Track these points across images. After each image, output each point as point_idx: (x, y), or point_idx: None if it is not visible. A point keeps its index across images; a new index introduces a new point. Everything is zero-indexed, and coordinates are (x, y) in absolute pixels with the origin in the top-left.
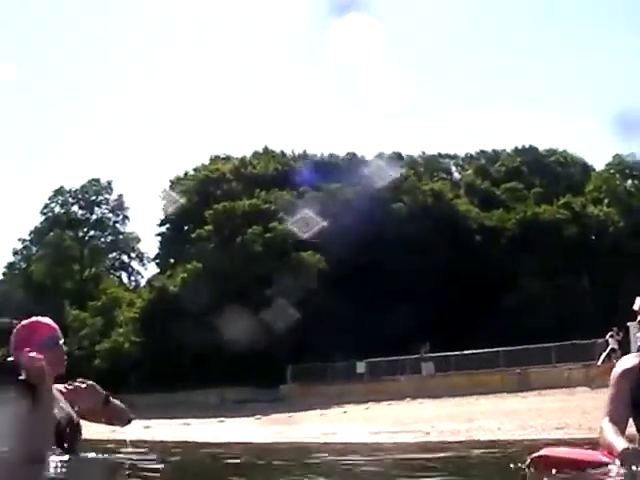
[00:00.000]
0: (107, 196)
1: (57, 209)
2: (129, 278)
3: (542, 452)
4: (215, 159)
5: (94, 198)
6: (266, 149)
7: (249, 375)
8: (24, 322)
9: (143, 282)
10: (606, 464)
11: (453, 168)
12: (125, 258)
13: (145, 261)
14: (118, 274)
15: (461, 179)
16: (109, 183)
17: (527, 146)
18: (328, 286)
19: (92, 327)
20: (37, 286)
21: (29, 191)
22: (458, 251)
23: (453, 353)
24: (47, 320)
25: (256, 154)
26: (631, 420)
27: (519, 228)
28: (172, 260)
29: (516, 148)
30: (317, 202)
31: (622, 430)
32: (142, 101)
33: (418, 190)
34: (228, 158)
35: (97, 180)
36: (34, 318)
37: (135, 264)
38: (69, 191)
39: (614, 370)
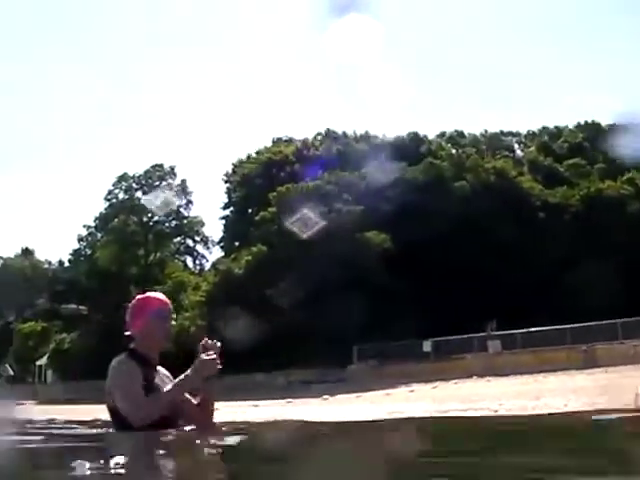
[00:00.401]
0: (170, 181)
1: (121, 195)
2: (194, 262)
3: None
4: (277, 141)
5: (158, 183)
6: (328, 131)
7: (315, 356)
8: (139, 296)
9: (208, 266)
10: None
11: (515, 145)
12: (190, 242)
13: (210, 245)
14: (183, 258)
15: (524, 156)
16: (172, 168)
17: (589, 122)
18: (393, 265)
19: None
20: (103, 272)
21: (93, 178)
22: (521, 228)
23: (519, 331)
24: (159, 295)
25: (318, 135)
26: None
27: (583, 204)
28: (236, 243)
29: (578, 124)
30: (379, 182)
31: None
32: (204, 86)
33: (481, 168)
34: (290, 140)
35: (160, 165)
36: (148, 293)
37: (200, 248)
38: (133, 177)
39: None
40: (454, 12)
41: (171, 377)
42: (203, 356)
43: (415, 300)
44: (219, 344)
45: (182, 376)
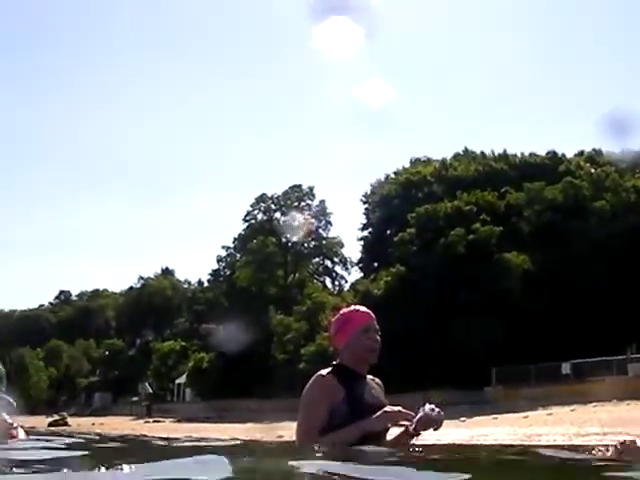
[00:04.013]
0: (309, 202)
1: (260, 216)
2: (333, 283)
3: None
4: (416, 162)
5: (296, 204)
6: (466, 150)
7: (453, 377)
8: (342, 310)
9: (347, 287)
10: None
11: None
12: (329, 263)
13: (348, 266)
14: (322, 279)
15: None
16: (311, 189)
17: None
18: (532, 286)
19: (297, 331)
20: (242, 292)
21: (232, 199)
22: None
23: None
24: (362, 308)
25: (456, 156)
26: None
27: None
28: (375, 264)
29: None
30: (519, 202)
31: None
32: (344, 106)
33: (620, 187)
34: (429, 161)
35: (299, 186)
36: (352, 307)
37: (339, 269)
38: (271, 198)
39: None
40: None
41: (381, 385)
42: (394, 408)
43: (554, 321)
44: (435, 409)
45: (366, 420)
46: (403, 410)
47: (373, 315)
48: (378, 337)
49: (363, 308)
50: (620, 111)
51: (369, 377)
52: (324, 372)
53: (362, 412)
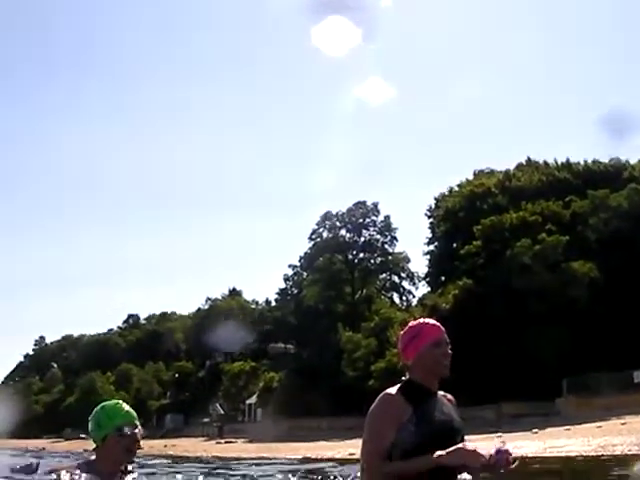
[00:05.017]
0: (374, 218)
1: (325, 234)
2: (400, 298)
3: None
4: (479, 174)
5: (361, 221)
6: (529, 160)
7: (524, 389)
8: (411, 323)
9: (415, 301)
10: None
11: None
12: (395, 278)
13: (416, 280)
14: (389, 294)
15: None
16: (375, 205)
17: None
18: (599, 294)
19: (366, 348)
20: (309, 310)
21: (297, 217)
22: None
23: None
24: (431, 321)
25: (519, 166)
26: None
27: None
28: (442, 278)
29: None
30: (584, 211)
31: None
32: (404, 121)
33: None
34: (492, 172)
35: (363, 203)
36: (420, 320)
37: (406, 284)
38: (336, 215)
39: None
40: None
41: (454, 401)
42: (467, 445)
43: (622, 329)
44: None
45: (438, 453)
46: (479, 451)
47: (443, 328)
48: (449, 350)
49: (432, 321)
50: None
51: (440, 393)
52: (391, 390)
53: (431, 430)
